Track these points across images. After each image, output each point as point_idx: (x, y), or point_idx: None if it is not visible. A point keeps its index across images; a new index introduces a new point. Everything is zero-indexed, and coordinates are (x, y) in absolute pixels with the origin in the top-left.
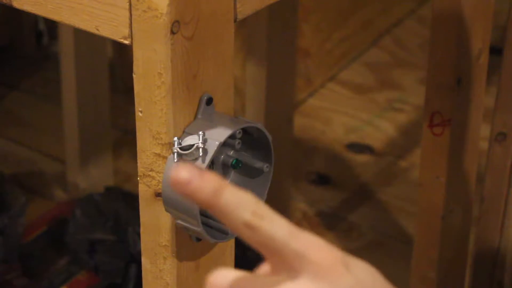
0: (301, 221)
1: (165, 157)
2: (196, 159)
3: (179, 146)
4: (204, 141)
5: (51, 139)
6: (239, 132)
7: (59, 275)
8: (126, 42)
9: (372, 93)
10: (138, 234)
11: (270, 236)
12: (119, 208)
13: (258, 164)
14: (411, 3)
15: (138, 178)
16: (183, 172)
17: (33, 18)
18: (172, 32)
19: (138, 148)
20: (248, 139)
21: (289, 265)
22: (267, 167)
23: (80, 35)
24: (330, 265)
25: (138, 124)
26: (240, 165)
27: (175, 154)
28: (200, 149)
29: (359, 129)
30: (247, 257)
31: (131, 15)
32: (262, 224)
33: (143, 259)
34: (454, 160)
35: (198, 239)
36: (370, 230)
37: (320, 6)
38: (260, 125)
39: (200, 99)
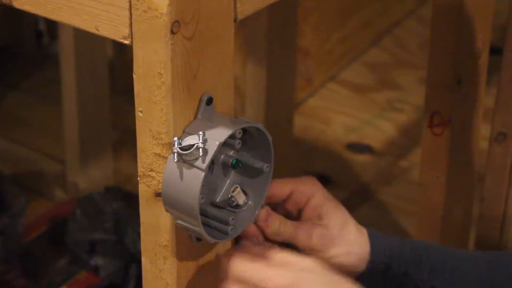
0: None
1: (165, 157)
2: (196, 159)
3: (179, 146)
4: (204, 141)
5: (51, 139)
6: (239, 132)
7: (59, 275)
8: (126, 42)
9: (372, 93)
10: (138, 234)
11: None
12: (119, 208)
13: (258, 164)
14: (411, 3)
15: (138, 178)
16: None
17: (33, 18)
18: (172, 32)
19: (138, 148)
20: (248, 139)
21: None
22: (267, 167)
23: (80, 35)
24: None
25: (138, 124)
26: (240, 165)
27: (175, 154)
28: (200, 149)
29: (359, 129)
30: None
31: (131, 15)
32: None
33: (143, 259)
34: (454, 160)
35: (198, 239)
36: None
37: (320, 6)
38: (260, 125)
39: (200, 99)
